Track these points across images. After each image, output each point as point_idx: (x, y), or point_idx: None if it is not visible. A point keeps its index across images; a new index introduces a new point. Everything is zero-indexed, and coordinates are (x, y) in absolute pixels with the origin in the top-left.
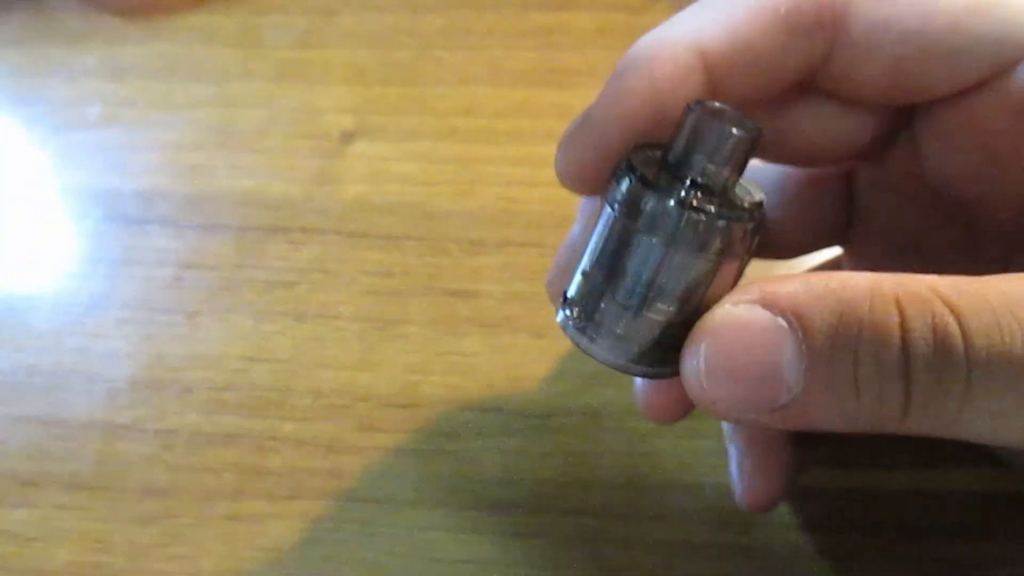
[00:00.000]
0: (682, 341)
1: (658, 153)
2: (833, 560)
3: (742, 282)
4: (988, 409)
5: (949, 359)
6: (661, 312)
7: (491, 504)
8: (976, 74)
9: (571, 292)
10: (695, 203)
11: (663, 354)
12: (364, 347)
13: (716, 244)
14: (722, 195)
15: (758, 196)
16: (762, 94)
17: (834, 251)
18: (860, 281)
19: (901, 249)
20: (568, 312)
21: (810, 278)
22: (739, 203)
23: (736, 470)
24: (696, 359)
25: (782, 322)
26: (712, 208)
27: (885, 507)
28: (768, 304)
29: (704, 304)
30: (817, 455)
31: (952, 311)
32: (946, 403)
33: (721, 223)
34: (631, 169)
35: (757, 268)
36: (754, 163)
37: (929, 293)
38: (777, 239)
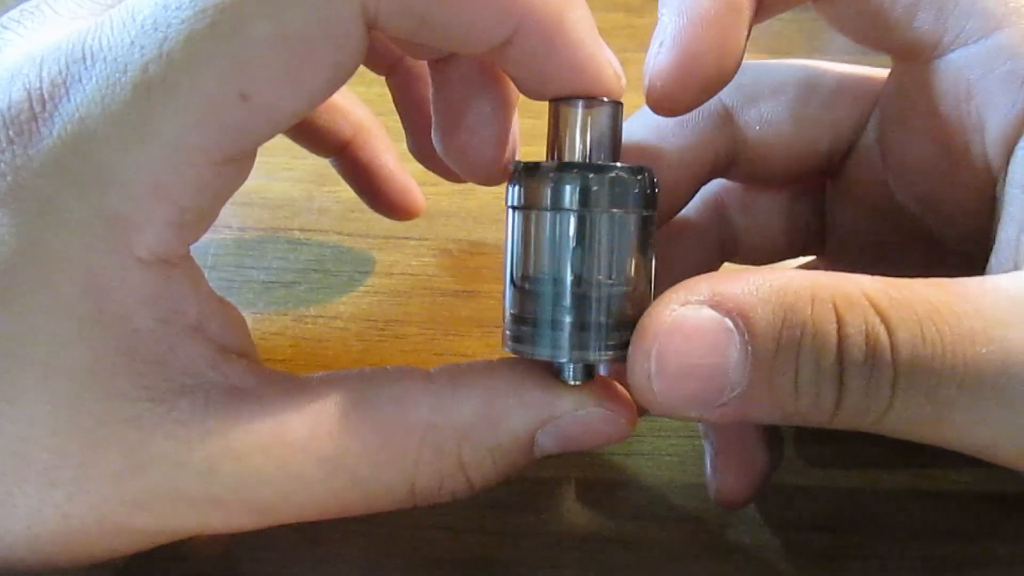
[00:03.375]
0: (631, 315)
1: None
2: (833, 560)
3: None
4: (908, 414)
5: (878, 368)
6: (602, 284)
7: (491, 504)
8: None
9: (512, 310)
10: (588, 166)
11: (629, 332)
12: (364, 347)
13: (621, 198)
14: (608, 163)
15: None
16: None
17: (809, 258)
18: (801, 282)
19: (873, 262)
20: (513, 330)
21: (754, 277)
22: (630, 167)
23: (709, 467)
24: (647, 362)
25: (729, 324)
26: (605, 166)
27: (885, 507)
28: (716, 305)
29: (641, 270)
30: (817, 455)
31: (882, 320)
32: (872, 407)
33: (621, 175)
34: (525, 168)
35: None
36: (721, 181)
37: (862, 299)
38: (754, 246)
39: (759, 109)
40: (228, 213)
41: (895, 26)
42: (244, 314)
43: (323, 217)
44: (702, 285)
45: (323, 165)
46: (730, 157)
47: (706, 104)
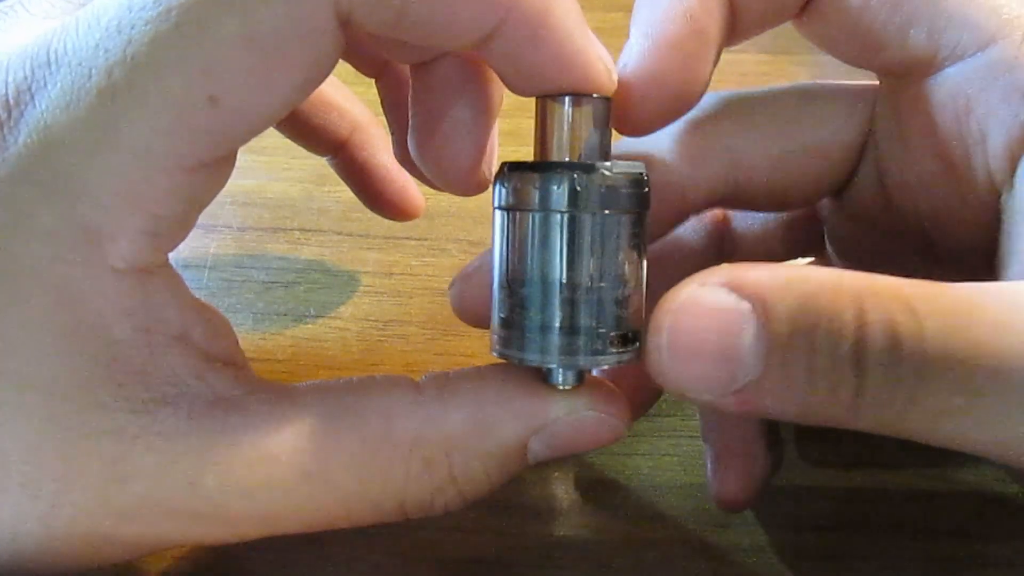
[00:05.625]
0: (631, 319)
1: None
2: (833, 560)
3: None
4: (935, 408)
5: (902, 355)
6: (592, 287)
7: (491, 504)
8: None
9: (500, 314)
10: (577, 165)
11: (620, 336)
12: (364, 347)
13: (612, 198)
14: (598, 161)
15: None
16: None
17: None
18: (824, 274)
19: (871, 270)
20: (501, 334)
21: (777, 267)
22: (620, 166)
23: (710, 469)
24: (659, 336)
25: (746, 305)
26: (595, 164)
27: (885, 507)
28: (734, 287)
29: (632, 272)
30: (817, 455)
31: (911, 310)
32: (895, 398)
33: (611, 174)
34: (512, 167)
35: None
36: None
37: (890, 291)
38: (751, 251)
39: (761, 148)
40: (228, 213)
41: (887, 46)
42: (244, 314)
43: (323, 217)
44: (723, 270)
45: (323, 165)
46: (726, 195)
47: (710, 144)
